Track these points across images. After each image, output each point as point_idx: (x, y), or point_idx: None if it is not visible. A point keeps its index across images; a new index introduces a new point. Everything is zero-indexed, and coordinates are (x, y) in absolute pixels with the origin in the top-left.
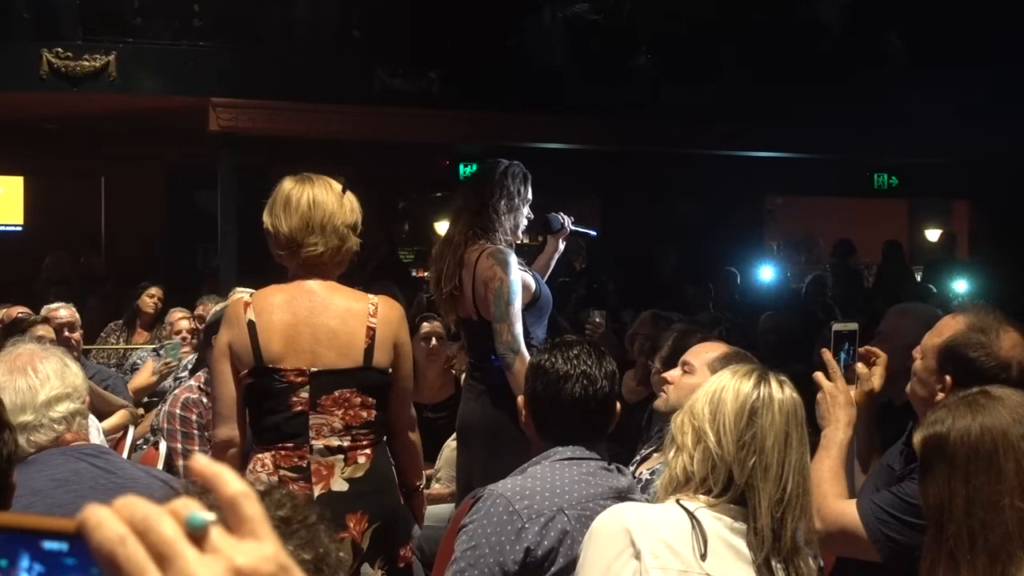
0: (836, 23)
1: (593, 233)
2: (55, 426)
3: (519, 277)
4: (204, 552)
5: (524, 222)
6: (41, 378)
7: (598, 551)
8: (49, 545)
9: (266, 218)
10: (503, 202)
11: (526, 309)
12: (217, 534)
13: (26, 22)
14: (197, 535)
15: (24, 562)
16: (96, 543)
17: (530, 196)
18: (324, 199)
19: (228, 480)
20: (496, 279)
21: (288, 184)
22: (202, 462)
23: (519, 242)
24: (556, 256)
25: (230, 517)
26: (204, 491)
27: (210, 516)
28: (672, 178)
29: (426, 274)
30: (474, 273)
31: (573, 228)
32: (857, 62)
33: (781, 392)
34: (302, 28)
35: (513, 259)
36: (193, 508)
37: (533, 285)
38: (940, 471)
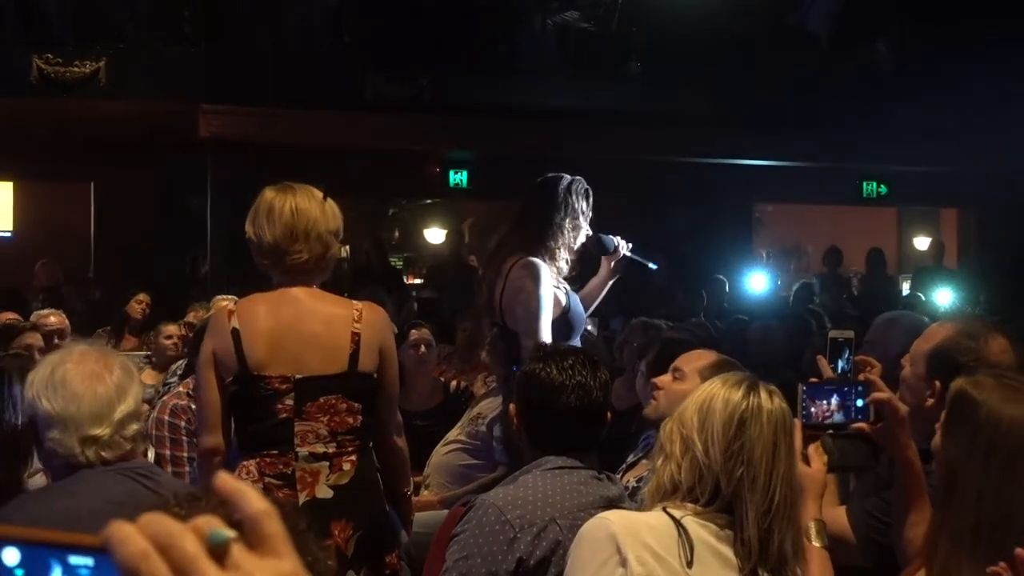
0: (824, 32)
1: (653, 266)
2: (124, 444)
3: (550, 291)
4: (225, 569)
5: (583, 238)
6: (118, 390)
7: (584, 558)
8: (75, 559)
9: (249, 228)
10: (568, 220)
11: (555, 324)
12: (238, 551)
13: (16, 28)
14: (219, 552)
15: (54, 575)
16: (121, 559)
17: (590, 213)
18: (306, 207)
19: (251, 498)
20: (525, 291)
21: (270, 193)
22: (226, 480)
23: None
24: (610, 281)
25: (252, 534)
26: (224, 504)
27: (231, 533)
28: (661, 186)
29: (417, 280)
30: (505, 282)
31: (630, 256)
32: (846, 71)
33: (770, 402)
34: (293, 34)
35: (545, 272)
36: (215, 525)
37: (564, 300)
38: (964, 434)
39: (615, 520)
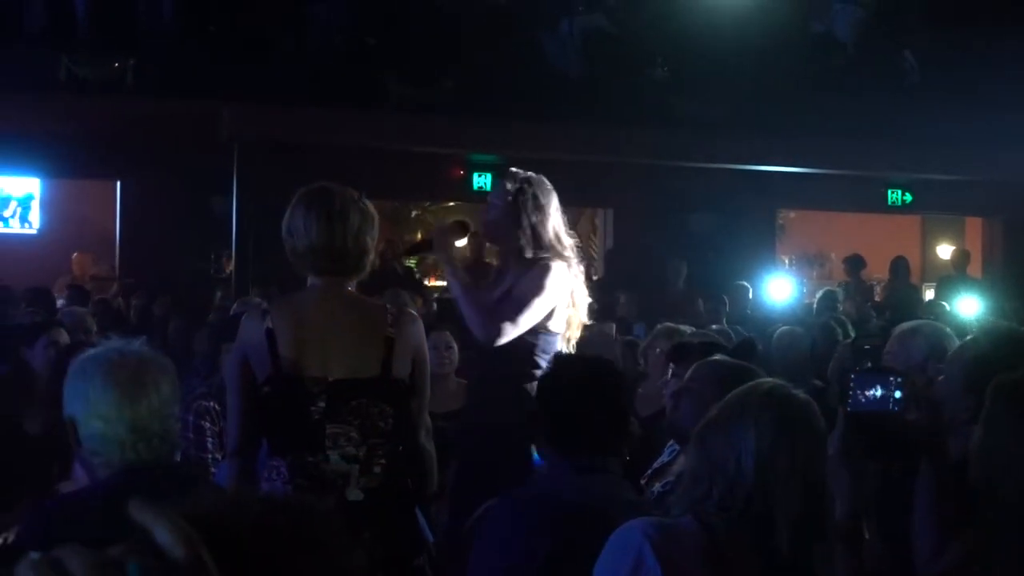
0: (851, 39)
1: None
2: (166, 445)
3: (553, 292)
4: None
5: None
6: (160, 390)
7: (609, 566)
8: None
9: (285, 228)
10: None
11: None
12: None
13: (45, 29)
14: None
15: None
16: None
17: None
18: (345, 209)
19: (163, 527)
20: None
21: (307, 194)
22: (141, 508)
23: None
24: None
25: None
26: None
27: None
28: (685, 191)
29: (437, 283)
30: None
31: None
32: (872, 78)
33: (803, 411)
34: (317, 36)
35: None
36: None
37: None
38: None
39: (643, 528)
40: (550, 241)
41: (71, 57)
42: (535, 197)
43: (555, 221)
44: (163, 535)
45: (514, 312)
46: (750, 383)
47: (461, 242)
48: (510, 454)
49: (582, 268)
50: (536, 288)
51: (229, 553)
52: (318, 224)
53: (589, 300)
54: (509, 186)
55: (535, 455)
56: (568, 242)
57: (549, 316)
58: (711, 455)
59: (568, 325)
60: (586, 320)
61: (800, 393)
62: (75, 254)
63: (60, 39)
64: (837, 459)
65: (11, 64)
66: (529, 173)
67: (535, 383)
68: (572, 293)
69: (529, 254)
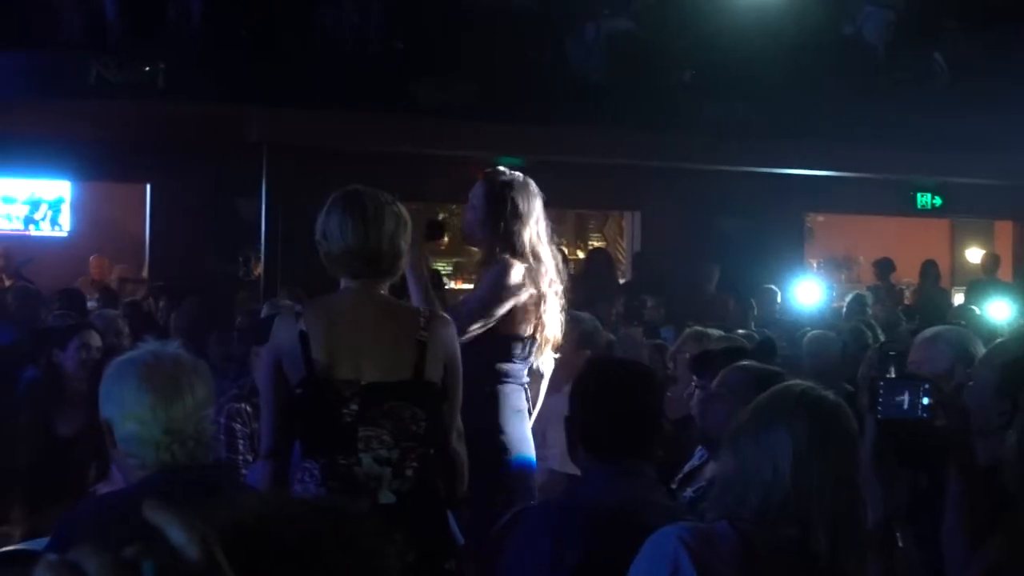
0: (880, 42)
1: None
2: (201, 448)
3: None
4: None
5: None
6: (196, 392)
7: (645, 573)
8: None
9: (319, 231)
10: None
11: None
12: None
13: (76, 32)
14: None
15: None
16: None
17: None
18: (380, 212)
19: (175, 528)
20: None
21: (342, 197)
22: (154, 509)
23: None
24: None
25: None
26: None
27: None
28: (712, 195)
29: (465, 285)
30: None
31: None
32: (901, 80)
33: (835, 412)
34: (345, 39)
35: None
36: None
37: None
38: None
39: (679, 534)
40: (524, 250)
41: (102, 61)
42: (514, 203)
43: (535, 229)
44: (177, 535)
45: (466, 313)
46: (780, 386)
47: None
48: (474, 459)
49: (559, 286)
50: (490, 285)
51: (271, 555)
52: (353, 227)
53: (562, 320)
54: (488, 188)
55: (511, 460)
56: (546, 252)
57: (509, 317)
58: (745, 461)
59: (536, 342)
60: (557, 340)
61: (831, 395)
62: (92, 256)
63: (91, 44)
64: (868, 466)
65: (42, 68)
66: (514, 174)
67: (497, 387)
68: (543, 301)
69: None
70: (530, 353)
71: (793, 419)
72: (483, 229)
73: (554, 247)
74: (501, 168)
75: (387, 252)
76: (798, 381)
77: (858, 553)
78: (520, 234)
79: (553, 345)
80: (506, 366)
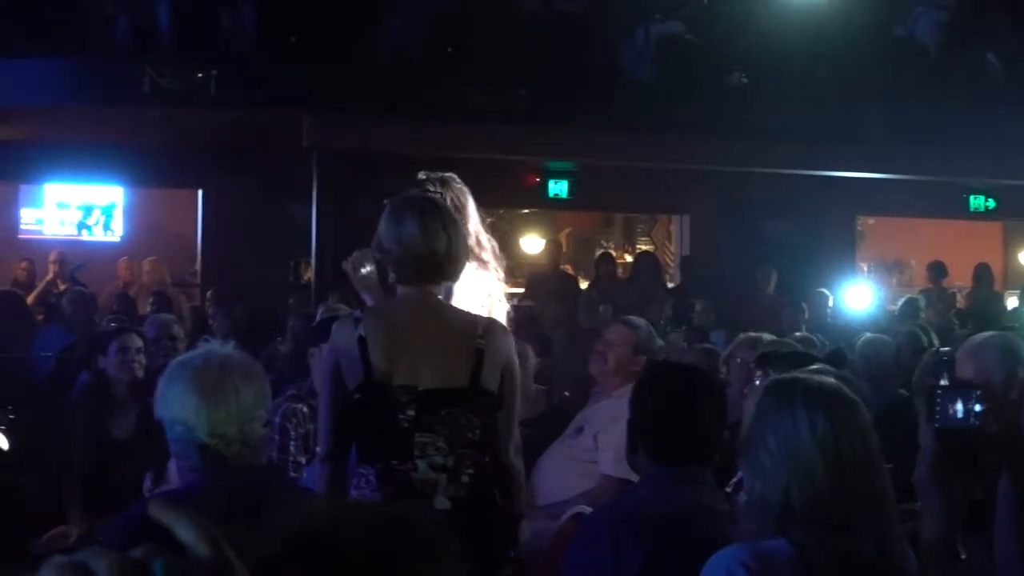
0: (933, 43)
1: None
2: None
3: None
4: None
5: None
6: (256, 393)
7: None
8: None
9: (380, 236)
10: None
11: None
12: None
13: (130, 42)
14: None
15: None
16: None
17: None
18: (436, 217)
19: (183, 527)
20: None
21: (402, 202)
22: (160, 508)
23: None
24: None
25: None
26: None
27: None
28: (762, 198)
29: (512, 290)
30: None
31: None
32: (954, 81)
33: (856, 414)
34: (395, 45)
35: None
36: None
37: None
38: None
39: (742, 557)
40: (470, 245)
41: (155, 69)
42: (451, 201)
43: (475, 223)
44: (186, 533)
45: None
46: (776, 390)
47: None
48: None
49: (501, 273)
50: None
51: (341, 560)
52: (415, 232)
53: (508, 308)
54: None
55: None
56: (488, 246)
57: None
58: (777, 469)
59: None
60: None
61: (817, 379)
62: (122, 259)
63: (144, 52)
64: (928, 477)
65: (97, 77)
66: (441, 174)
67: None
68: (489, 295)
69: None
70: None
71: (813, 417)
72: None
73: (494, 241)
74: (424, 173)
75: (447, 258)
76: (825, 384)
77: (903, 549)
78: (465, 230)
79: None
80: None
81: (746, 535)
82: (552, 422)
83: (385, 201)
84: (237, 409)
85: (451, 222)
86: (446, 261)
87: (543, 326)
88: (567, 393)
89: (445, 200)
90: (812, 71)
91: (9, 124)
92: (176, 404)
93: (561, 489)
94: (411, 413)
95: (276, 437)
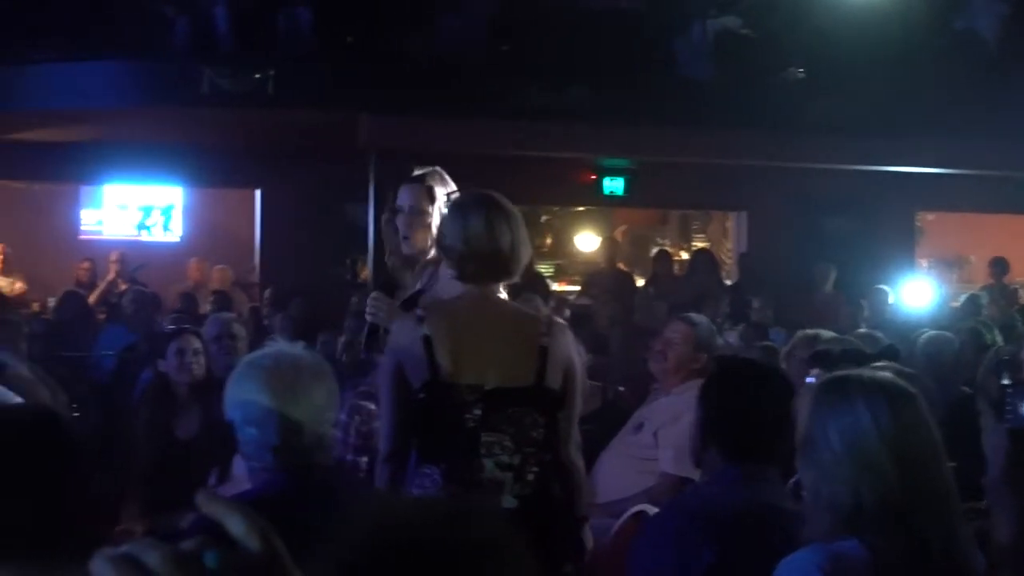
0: (993, 36)
1: None
2: (325, 450)
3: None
4: None
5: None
6: (329, 393)
7: None
8: None
9: (442, 235)
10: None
11: None
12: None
13: (188, 44)
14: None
15: None
16: None
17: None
18: (500, 215)
19: (235, 520)
20: None
21: (466, 201)
22: (211, 502)
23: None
24: None
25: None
26: None
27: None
28: (820, 193)
29: (567, 287)
30: None
31: None
32: (1016, 74)
33: (917, 407)
34: (451, 44)
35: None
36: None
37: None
38: None
39: (819, 560)
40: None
41: (214, 70)
42: (435, 193)
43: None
44: (237, 526)
45: None
46: (832, 387)
47: None
48: None
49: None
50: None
51: (418, 558)
52: (480, 231)
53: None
54: (429, 194)
55: None
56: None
57: None
58: (842, 467)
59: None
60: None
61: (870, 372)
62: (192, 260)
63: (203, 53)
64: (1001, 479)
65: (156, 78)
66: (436, 167)
67: None
68: None
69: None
70: None
71: (877, 413)
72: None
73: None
74: (419, 170)
75: (511, 256)
76: (882, 383)
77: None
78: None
79: None
80: None
81: (817, 536)
82: (607, 419)
83: (446, 195)
84: (310, 411)
85: (515, 220)
86: (510, 259)
87: (598, 324)
88: (621, 388)
89: (435, 192)
90: (870, 64)
91: (69, 126)
92: (248, 405)
93: (620, 486)
94: (478, 412)
95: (339, 434)
